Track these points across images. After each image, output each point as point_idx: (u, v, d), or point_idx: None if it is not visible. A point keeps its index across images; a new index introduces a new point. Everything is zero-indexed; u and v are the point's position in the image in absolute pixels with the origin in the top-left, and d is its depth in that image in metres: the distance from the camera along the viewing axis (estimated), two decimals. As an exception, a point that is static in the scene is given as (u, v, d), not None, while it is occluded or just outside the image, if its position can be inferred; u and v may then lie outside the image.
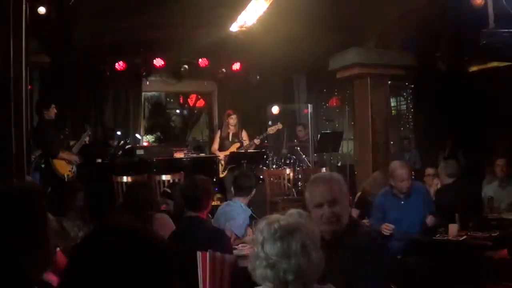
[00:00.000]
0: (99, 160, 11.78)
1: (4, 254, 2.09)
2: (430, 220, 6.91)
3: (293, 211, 2.81)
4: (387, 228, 6.76)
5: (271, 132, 11.93)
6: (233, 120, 11.87)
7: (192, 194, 5.34)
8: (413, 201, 6.99)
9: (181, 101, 21.46)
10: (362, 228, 3.88)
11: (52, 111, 10.64)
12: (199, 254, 4.50)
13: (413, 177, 7.83)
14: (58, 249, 4.86)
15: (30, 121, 8.97)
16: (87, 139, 11.03)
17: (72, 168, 10.58)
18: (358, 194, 8.58)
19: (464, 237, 6.47)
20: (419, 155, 13.85)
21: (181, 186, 6.90)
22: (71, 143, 10.87)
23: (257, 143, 11.76)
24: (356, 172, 12.07)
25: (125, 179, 9.57)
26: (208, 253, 4.51)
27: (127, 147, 12.14)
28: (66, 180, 10.30)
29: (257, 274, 2.70)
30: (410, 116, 15.25)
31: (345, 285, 3.41)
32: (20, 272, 2.11)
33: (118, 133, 12.43)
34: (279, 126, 11.95)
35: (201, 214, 5.25)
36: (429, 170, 9.43)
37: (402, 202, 7.01)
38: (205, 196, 5.31)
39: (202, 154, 13.53)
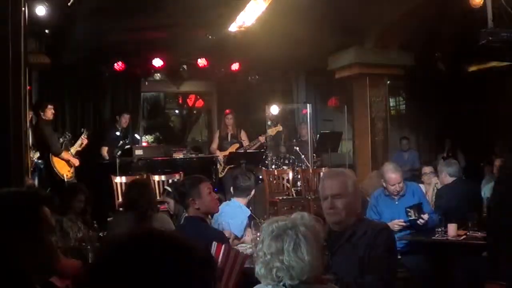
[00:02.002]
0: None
1: (3, 258, 2.09)
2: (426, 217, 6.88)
3: (297, 213, 2.85)
4: (400, 224, 6.72)
5: (271, 133, 11.93)
6: (229, 120, 11.89)
7: (178, 190, 5.29)
8: (407, 201, 6.96)
9: (180, 101, 21.45)
10: (372, 222, 4.07)
11: (49, 112, 10.67)
12: (214, 244, 4.46)
13: (411, 176, 7.82)
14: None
15: (30, 123, 9.00)
16: (84, 141, 11.06)
17: (71, 169, 10.63)
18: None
19: (464, 237, 6.47)
20: (418, 155, 13.87)
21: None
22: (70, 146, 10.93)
23: (262, 140, 11.78)
24: (355, 172, 12.06)
25: (124, 179, 9.56)
26: (223, 246, 4.47)
27: (126, 147, 12.14)
28: (65, 180, 10.33)
29: (256, 271, 2.75)
30: (409, 116, 15.25)
31: (359, 271, 3.73)
32: (20, 275, 2.11)
33: (117, 133, 12.40)
34: (279, 127, 11.95)
35: (192, 213, 5.17)
36: (426, 169, 9.44)
37: (396, 203, 6.99)
38: (182, 195, 5.14)
39: (201, 155, 13.54)
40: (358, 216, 4.06)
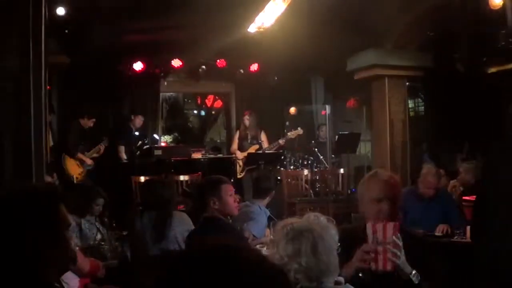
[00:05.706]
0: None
1: (19, 256, 2.11)
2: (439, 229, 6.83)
3: (310, 214, 2.84)
4: None
5: (291, 137, 11.94)
6: (247, 121, 11.90)
7: (198, 189, 5.32)
8: (434, 206, 6.95)
9: (199, 101, 21.48)
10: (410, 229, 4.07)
11: (90, 121, 10.81)
12: None
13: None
14: (77, 248, 4.91)
15: (49, 122, 9.06)
16: (102, 149, 11.13)
17: (82, 171, 10.67)
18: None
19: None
20: (436, 156, 13.80)
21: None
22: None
23: (282, 143, 11.79)
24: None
25: (143, 179, 9.59)
26: None
27: (145, 147, 12.19)
28: (74, 181, 10.38)
29: None
30: (428, 118, 15.17)
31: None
32: (36, 273, 2.12)
33: (136, 133, 12.46)
34: (300, 131, 11.93)
35: (211, 213, 5.13)
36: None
37: (424, 204, 6.97)
38: (202, 194, 5.19)
39: (220, 155, 13.56)
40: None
